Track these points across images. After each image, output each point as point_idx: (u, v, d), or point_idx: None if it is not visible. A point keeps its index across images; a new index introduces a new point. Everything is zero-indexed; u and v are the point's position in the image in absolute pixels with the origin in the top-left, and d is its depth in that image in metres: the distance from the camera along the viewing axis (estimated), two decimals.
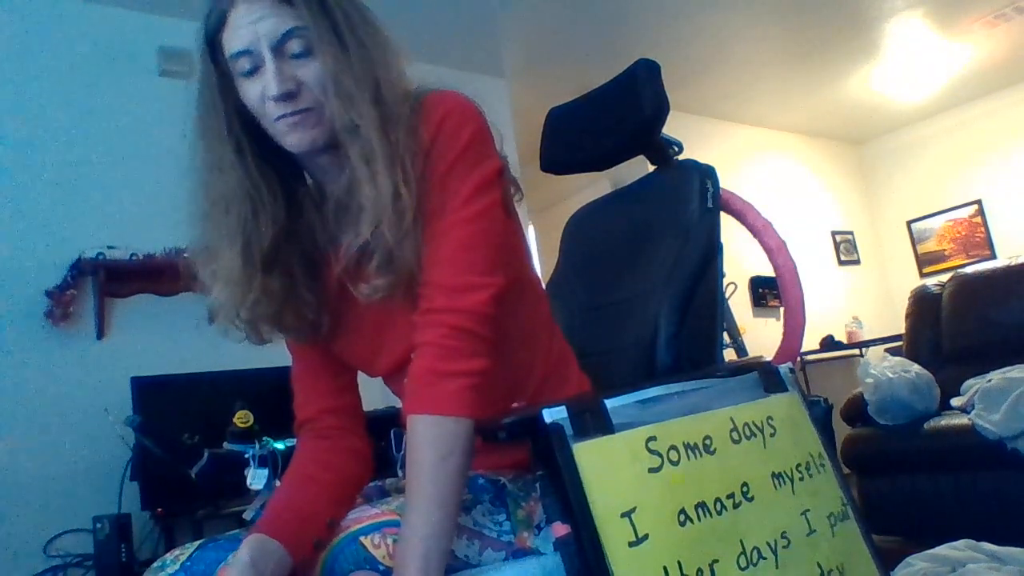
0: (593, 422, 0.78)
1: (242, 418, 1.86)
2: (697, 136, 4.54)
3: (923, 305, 3.09)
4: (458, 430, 0.78)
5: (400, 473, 1.07)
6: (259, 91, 0.83)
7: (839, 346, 4.83)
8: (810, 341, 4.47)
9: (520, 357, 0.96)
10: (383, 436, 1.16)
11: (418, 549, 0.74)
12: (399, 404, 0.89)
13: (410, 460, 0.78)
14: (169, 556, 0.85)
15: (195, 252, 0.92)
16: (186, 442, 1.51)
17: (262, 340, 0.96)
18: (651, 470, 0.79)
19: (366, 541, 0.81)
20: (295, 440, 1.04)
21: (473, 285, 0.82)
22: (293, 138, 0.85)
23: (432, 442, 0.77)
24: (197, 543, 0.85)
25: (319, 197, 0.95)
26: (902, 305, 3.29)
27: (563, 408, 0.77)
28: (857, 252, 5.88)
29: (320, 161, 0.90)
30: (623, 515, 0.74)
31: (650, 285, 1.24)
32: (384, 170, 0.81)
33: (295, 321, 0.94)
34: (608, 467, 0.77)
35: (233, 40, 0.83)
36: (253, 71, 0.83)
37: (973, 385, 2.47)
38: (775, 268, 2.70)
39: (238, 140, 0.88)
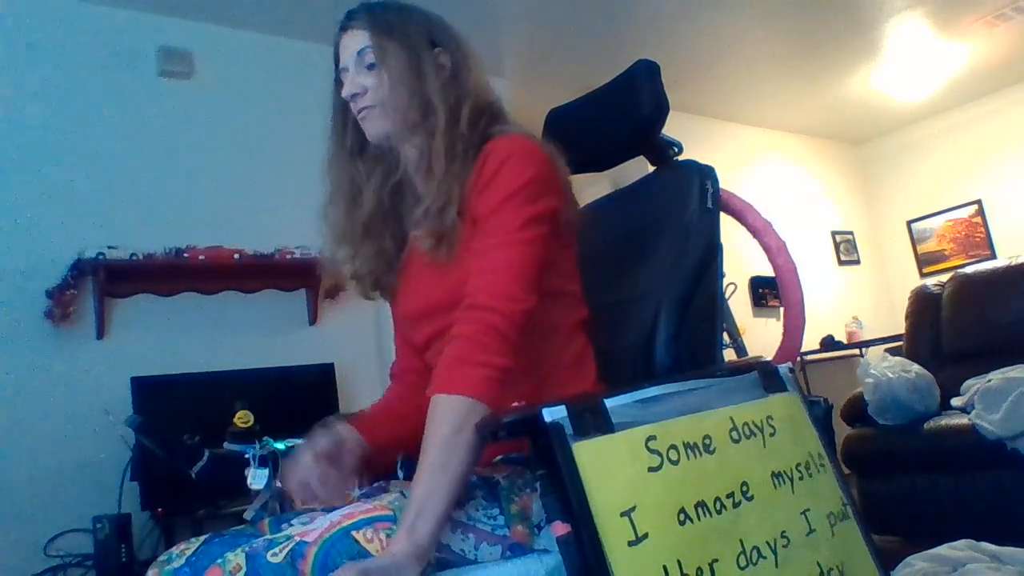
0: (593, 421, 0.78)
1: (242, 418, 1.86)
2: (697, 136, 4.54)
3: (923, 305, 3.09)
4: (475, 411, 0.85)
5: (400, 474, 1.09)
6: (345, 97, 1.08)
7: (839, 346, 4.83)
8: (810, 341, 4.47)
9: (528, 354, 0.99)
10: None
11: (413, 506, 0.81)
12: None
13: (425, 434, 0.85)
14: (175, 550, 0.86)
15: (323, 216, 1.17)
16: (186, 442, 1.51)
17: (366, 295, 1.19)
18: (651, 469, 0.79)
19: (359, 536, 0.81)
20: (298, 440, 1.15)
21: (514, 296, 0.93)
22: (367, 131, 1.09)
23: (448, 417, 0.85)
24: (203, 537, 0.87)
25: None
26: (902, 305, 3.29)
27: (563, 407, 0.77)
28: (857, 252, 5.88)
29: (406, 153, 1.10)
30: (623, 514, 0.74)
31: (650, 285, 1.24)
32: (427, 157, 1.04)
33: (385, 281, 1.16)
34: (608, 466, 0.77)
35: (340, 61, 1.11)
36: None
37: (973, 385, 2.47)
38: (775, 268, 2.70)
39: (352, 140, 1.14)
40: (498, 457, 0.99)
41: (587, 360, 1.11)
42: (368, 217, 1.12)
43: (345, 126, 1.13)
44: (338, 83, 1.12)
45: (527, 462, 0.95)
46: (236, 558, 0.79)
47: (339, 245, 1.14)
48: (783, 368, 1.06)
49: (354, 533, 0.82)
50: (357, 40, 1.07)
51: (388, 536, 0.81)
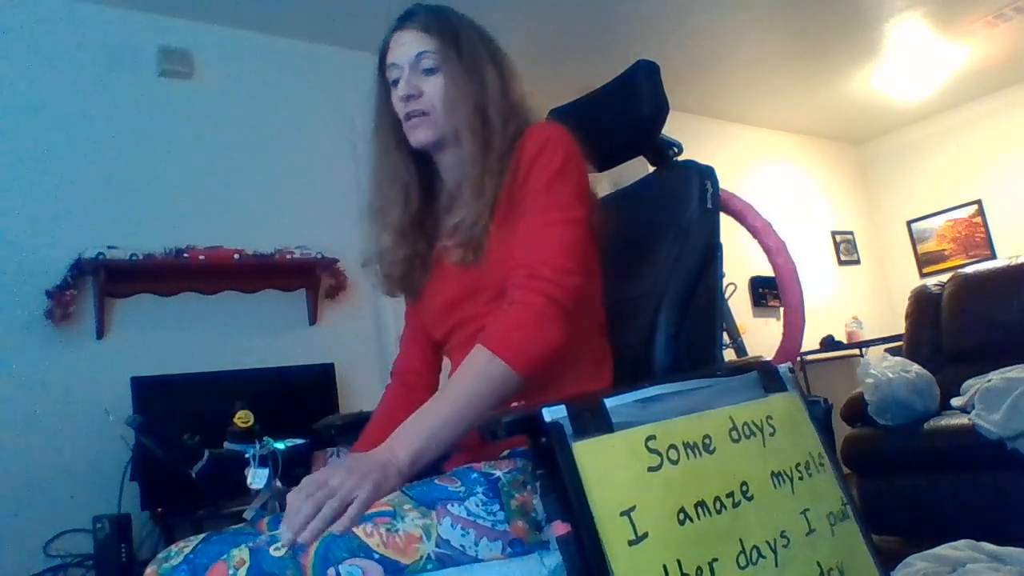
0: (593, 421, 0.78)
1: (242, 418, 1.85)
2: (697, 136, 4.54)
3: (923, 305, 3.09)
4: (511, 386, 0.93)
5: None
6: (397, 96, 1.10)
7: (839, 346, 4.82)
8: (810, 341, 4.46)
9: None
10: None
11: (419, 436, 0.88)
12: None
13: (460, 375, 0.93)
14: (174, 548, 0.86)
15: (369, 211, 1.19)
16: (186, 442, 1.51)
17: (391, 293, 1.21)
18: (651, 469, 0.79)
19: (358, 530, 0.82)
20: (298, 440, 1.25)
21: (571, 271, 0.99)
22: (413, 135, 1.10)
23: (487, 377, 0.92)
24: (201, 536, 0.87)
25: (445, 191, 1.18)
26: (902, 305, 3.29)
27: (562, 407, 0.77)
28: (857, 252, 5.88)
29: (445, 160, 1.14)
30: (623, 514, 0.75)
31: (650, 285, 1.24)
32: (478, 172, 1.05)
33: (410, 283, 1.19)
34: (608, 466, 0.77)
35: (389, 56, 1.12)
36: (396, 81, 1.11)
37: (973, 385, 2.47)
38: (774, 268, 2.70)
39: (401, 138, 1.13)
40: (504, 452, 0.99)
41: (606, 363, 1.14)
42: (410, 220, 1.15)
43: (394, 122, 1.13)
44: (382, 77, 1.13)
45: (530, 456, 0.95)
46: (240, 553, 0.80)
47: (384, 241, 1.16)
48: (783, 368, 1.06)
49: (353, 528, 0.82)
50: (416, 41, 1.09)
51: (388, 530, 0.81)
